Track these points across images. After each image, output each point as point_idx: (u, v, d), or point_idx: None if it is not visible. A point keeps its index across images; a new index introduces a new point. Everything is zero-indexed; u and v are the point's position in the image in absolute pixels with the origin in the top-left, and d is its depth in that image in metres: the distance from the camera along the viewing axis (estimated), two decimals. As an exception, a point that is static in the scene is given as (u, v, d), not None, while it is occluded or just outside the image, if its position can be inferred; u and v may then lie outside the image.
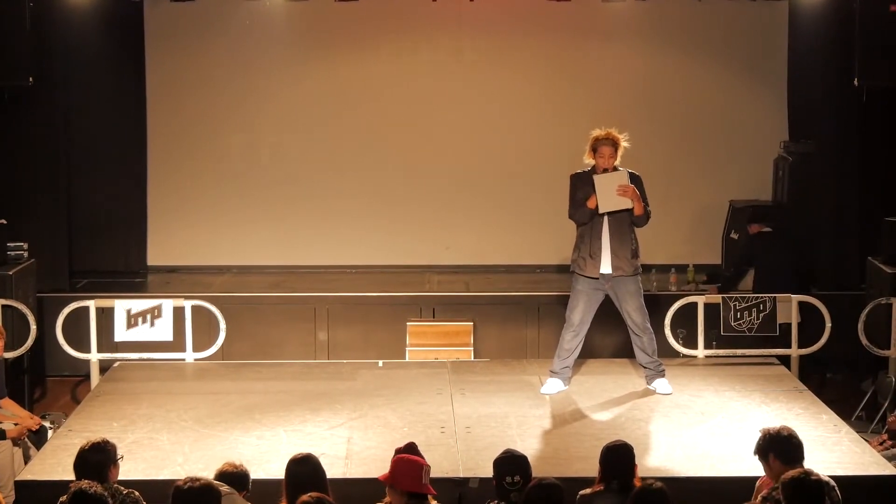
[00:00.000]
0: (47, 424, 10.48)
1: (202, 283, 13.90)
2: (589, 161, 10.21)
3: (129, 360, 11.48)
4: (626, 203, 10.09)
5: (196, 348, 11.49)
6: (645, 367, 10.49)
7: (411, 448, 7.01)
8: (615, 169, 10.14)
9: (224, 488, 6.97)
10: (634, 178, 10.17)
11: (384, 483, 6.87)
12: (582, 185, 10.20)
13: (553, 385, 10.51)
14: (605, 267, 10.22)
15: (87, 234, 14.11)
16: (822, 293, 12.13)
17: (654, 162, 14.27)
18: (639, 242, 10.35)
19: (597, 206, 10.10)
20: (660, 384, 10.40)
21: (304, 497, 6.55)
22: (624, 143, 10.13)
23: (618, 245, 10.17)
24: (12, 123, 13.15)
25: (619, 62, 14.47)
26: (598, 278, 10.27)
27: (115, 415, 9.84)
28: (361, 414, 9.88)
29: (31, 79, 12.08)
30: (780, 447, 7.17)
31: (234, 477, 7.25)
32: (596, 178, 10.11)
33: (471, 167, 14.56)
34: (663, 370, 10.47)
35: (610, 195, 10.06)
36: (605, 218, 10.17)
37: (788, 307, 11.50)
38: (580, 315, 10.38)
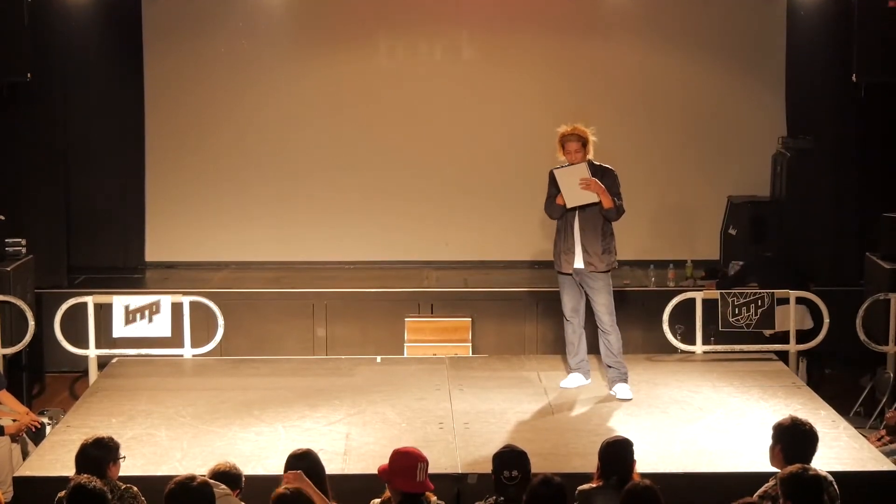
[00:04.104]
0: (45, 420, 10.49)
1: (200, 279, 13.90)
2: (561, 158, 10.22)
3: (128, 356, 11.48)
4: (591, 197, 10.07)
5: (194, 344, 11.49)
6: (609, 367, 10.38)
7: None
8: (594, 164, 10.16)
9: (221, 488, 6.97)
10: (606, 172, 10.16)
11: (382, 478, 6.86)
12: (554, 180, 10.21)
13: (573, 380, 10.53)
14: (578, 262, 10.21)
15: (85, 230, 14.09)
16: (820, 289, 12.12)
17: (652, 158, 14.35)
18: (614, 238, 10.29)
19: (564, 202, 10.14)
20: (620, 389, 10.26)
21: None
22: (592, 137, 10.12)
23: (589, 240, 10.16)
24: (10, 119, 13.14)
25: (618, 59, 14.46)
26: (571, 274, 10.27)
27: (113, 411, 9.85)
28: (360, 410, 9.89)
29: (29, 74, 12.08)
30: (789, 442, 7.14)
31: (228, 477, 7.25)
32: (556, 173, 10.14)
33: (469, 163, 14.55)
34: (626, 374, 10.35)
35: (574, 189, 10.05)
36: (577, 213, 10.17)
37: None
38: (570, 307, 10.39)
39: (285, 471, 7.04)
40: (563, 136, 10.13)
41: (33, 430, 10.08)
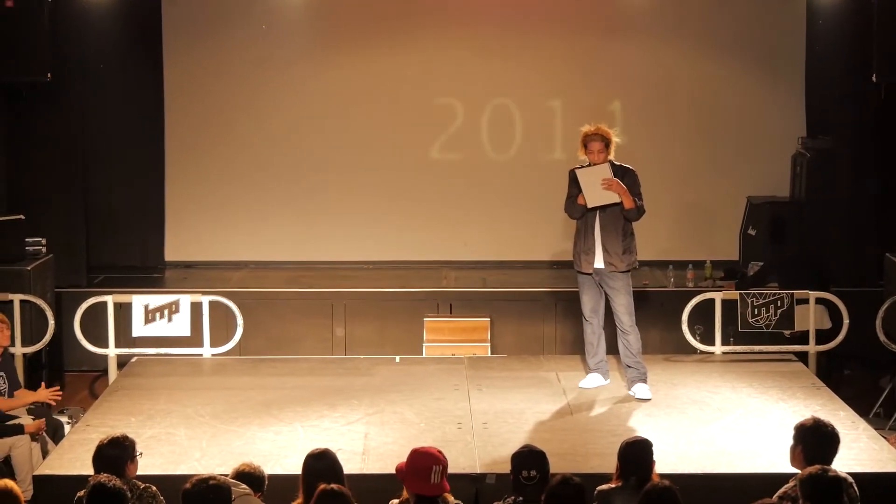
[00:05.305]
0: (65, 420, 10.52)
1: (219, 278, 13.92)
2: (582, 158, 10.22)
3: (147, 355, 11.50)
4: (612, 197, 10.07)
5: (213, 344, 11.50)
6: (628, 367, 10.37)
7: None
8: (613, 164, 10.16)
9: (241, 487, 6.98)
10: (626, 172, 10.16)
11: (398, 476, 6.86)
12: (575, 180, 10.21)
13: (592, 380, 10.53)
14: (598, 262, 10.21)
15: (104, 230, 14.13)
16: (839, 290, 12.09)
17: (671, 158, 14.33)
18: (634, 238, 10.29)
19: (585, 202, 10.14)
20: (639, 389, 10.25)
21: (323, 486, 6.55)
22: (615, 138, 10.12)
23: (609, 240, 10.16)
24: (30, 119, 13.19)
25: (636, 57, 14.45)
26: (591, 273, 10.27)
27: (132, 410, 9.87)
28: (378, 409, 9.89)
29: (49, 74, 12.12)
30: (811, 443, 7.12)
31: (250, 478, 7.26)
32: (578, 172, 10.14)
33: (488, 163, 14.55)
34: (646, 374, 10.33)
35: (595, 189, 10.05)
36: (598, 213, 10.17)
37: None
38: (589, 307, 10.39)
39: (303, 470, 7.05)
40: (586, 136, 10.12)
41: (53, 404, 10.13)
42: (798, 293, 11.48)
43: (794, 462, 7.14)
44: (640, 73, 14.44)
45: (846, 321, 11.38)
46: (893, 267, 12.02)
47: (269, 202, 14.54)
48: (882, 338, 11.45)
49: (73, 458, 8.68)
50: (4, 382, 10.14)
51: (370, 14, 14.40)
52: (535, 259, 14.49)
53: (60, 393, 10.30)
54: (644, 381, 10.28)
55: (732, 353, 11.49)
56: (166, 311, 11.45)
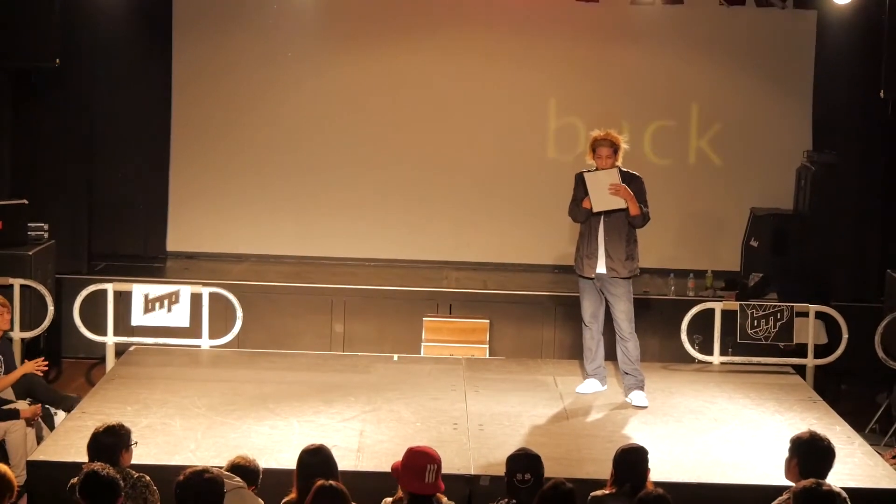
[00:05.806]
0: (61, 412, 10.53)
1: (220, 270, 13.92)
2: (591, 162, 10.22)
3: (145, 344, 11.51)
4: (619, 202, 10.08)
5: (212, 335, 11.51)
6: (625, 374, 10.37)
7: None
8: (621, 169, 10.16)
9: (235, 480, 6.98)
10: (633, 179, 10.16)
11: (393, 475, 6.86)
12: (581, 183, 10.22)
13: (589, 385, 10.52)
14: (601, 267, 10.21)
15: (107, 218, 14.14)
16: (839, 304, 12.09)
17: (677, 167, 14.31)
18: (637, 245, 10.29)
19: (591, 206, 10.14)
20: (636, 396, 10.24)
21: (321, 481, 6.55)
22: (624, 145, 10.14)
23: (613, 246, 10.16)
24: (38, 105, 13.21)
25: (645, 66, 14.44)
26: (593, 278, 10.27)
27: (128, 399, 9.87)
28: (375, 407, 9.89)
29: (57, 61, 12.12)
30: (806, 456, 7.12)
31: (245, 471, 7.27)
32: (586, 176, 10.14)
33: (492, 165, 14.55)
34: (643, 382, 10.32)
35: (602, 194, 10.05)
36: (602, 218, 10.18)
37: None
38: (590, 312, 10.39)
39: (297, 465, 7.05)
40: (595, 141, 10.13)
41: (40, 374, 10.14)
42: (798, 306, 11.48)
43: (788, 475, 7.14)
44: (649, 81, 14.43)
45: (845, 336, 11.37)
46: (894, 283, 12.01)
47: (273, 197, 14.55)
48: (880, 354, 11.44)
49: (68, 444, 8.67)
50: (2, 366, 10.15)
51: (377, 14, 14.39)
52: (536, 262, 14.49)
53: (46, 363, 10.32)
54: (641, 388, 10.28)
55: (730, 363, 11.48)
56: (166, 301, 11.45)
